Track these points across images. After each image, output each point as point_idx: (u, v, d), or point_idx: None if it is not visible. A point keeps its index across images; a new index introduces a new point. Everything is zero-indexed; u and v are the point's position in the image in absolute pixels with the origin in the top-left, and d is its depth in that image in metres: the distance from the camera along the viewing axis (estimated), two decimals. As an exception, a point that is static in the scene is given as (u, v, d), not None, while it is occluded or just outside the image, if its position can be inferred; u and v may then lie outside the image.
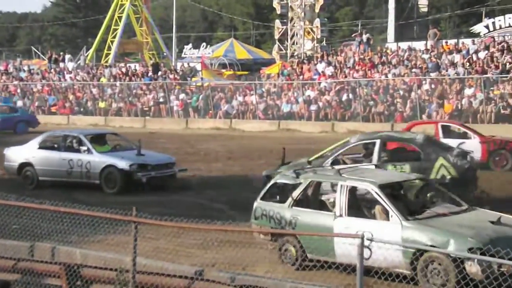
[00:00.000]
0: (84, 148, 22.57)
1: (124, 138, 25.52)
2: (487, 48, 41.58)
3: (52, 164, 22.76)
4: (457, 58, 41.41)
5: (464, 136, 25.63)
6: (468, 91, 37.28)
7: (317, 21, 54.07)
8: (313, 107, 41.37)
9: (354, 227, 12.39)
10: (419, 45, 47.06)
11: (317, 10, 54.17)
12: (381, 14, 78.85)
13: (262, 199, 14.63)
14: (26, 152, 23.58)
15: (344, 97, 40.99)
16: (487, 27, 53.37)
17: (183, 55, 67.46)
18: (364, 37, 50.97)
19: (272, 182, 15.07)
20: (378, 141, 18.32)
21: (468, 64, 39.72)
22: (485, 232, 11.95)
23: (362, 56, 46.07)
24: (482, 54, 40.65)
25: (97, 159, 22.10)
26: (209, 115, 45.17)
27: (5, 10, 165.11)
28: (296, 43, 55.07)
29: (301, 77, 45.48)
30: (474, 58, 40.42)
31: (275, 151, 30.41)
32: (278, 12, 56.16)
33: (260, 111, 43.30)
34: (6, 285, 6.55)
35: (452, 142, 22.33)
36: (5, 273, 11.79)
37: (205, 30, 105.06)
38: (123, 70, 56.31)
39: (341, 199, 13.32)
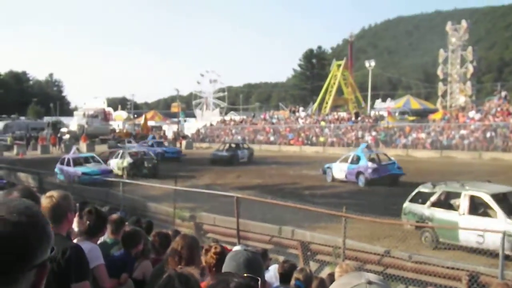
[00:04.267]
0: None
1: None
2: None
3: None
4: None
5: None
6: None
7: (468, 83, 51.66)
8: (465, 141, 39.27)
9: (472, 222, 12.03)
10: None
11: (468, 76, 51.80)
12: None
13: (409, 201, 14.40)
14: None
15: (488, 135, 38.54)
16: None
17: (374, 106, 66.76)
18: (503, 94, 47.90)
19: (416, 190, 14.51)
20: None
21: None
22: None
23: (501, 107, 43.25)
24: None
25: None
26: (392, 146, 44.16)
27: (264, 81, 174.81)
28: (453, 98, 52.85)
29: (457, 121, 43.41)
30: None
31: (437, 172, 29.34)
32: (441, 77, 54.32)
33: (428, 144, 41.74)
34: (265, 252, 6.72)
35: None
36: (264, 244, 12.26)
37: (390, 89, 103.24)
38: (336, 117, 56.61)
39: (464, 204, 12.75)
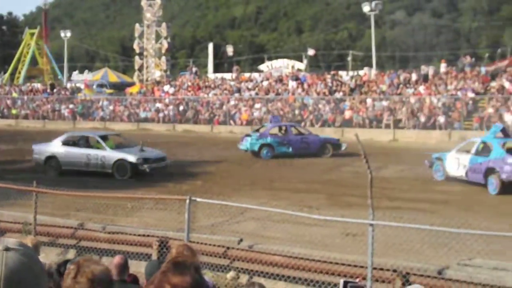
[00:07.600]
0: (98, 145, 20.25)
1: (125, 138, 22.61)
2: (267, 79, 43.08)
3: (73, 157, 19.99)
4: (250, 85, 42.55)
5: None
6: (257, 106, 38.23)
7: (163, 58, 53.83)
8: (161, 114, 40.97)
9: None
10: (227, 76, 48.31)
11: (163, 51, 53.96)
12: (204, 54, 79.00)
13: None
14: (51, 148, 20.57)
15: (181, 108, 40.90)
16: (267, 66, 58.39)
17: (71, 78, 64.93)
18: (194, 69, 51.48)
19: None
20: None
21: (257, 89, 41.06)
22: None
23: (192, 82, 46.34)
24: (265, 83, 42.13)
25: (110, 154, 19.64)
26: (89, 119, 43.67)
27: None
28: (149, 72, 54.56)
29: (153, 94, 45.03)
30: (260, 85, 41.83)
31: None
32: (137, 51, 55.40)
33: (125, 116, 42.40)
34: None
35: None
36: None
37: (87, 61, 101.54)
38: (30, 88, 53.44)
39: None
